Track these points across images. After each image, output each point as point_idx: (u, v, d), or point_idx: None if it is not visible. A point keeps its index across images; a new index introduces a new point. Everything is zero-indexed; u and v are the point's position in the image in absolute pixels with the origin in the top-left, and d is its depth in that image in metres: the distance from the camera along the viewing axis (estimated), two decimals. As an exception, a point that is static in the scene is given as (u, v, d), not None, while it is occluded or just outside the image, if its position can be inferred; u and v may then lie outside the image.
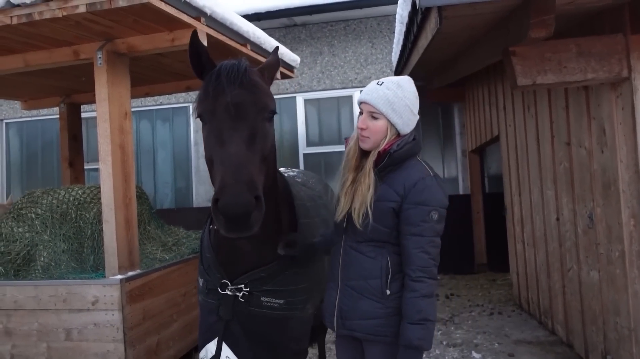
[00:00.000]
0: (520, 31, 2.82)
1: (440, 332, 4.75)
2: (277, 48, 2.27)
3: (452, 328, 4.86)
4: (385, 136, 1.87)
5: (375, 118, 1.87)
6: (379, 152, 1.87)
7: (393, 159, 1.85)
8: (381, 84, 1.89)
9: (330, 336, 4.27)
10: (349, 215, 1.90)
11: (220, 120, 1.73)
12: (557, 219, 4.13)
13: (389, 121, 1.86)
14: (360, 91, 2.17)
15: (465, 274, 7.16)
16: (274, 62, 2.13)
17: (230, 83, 1.75)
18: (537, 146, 4.48)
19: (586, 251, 3.63)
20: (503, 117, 5.49)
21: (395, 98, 1.85)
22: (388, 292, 1.84)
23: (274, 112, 1.88)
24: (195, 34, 1.90)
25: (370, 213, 1.81)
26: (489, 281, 6.76)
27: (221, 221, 1.57)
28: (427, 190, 1.81)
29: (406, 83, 1.91)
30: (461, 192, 7.43)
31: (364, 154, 1.94)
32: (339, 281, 1.95)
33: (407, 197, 1.81)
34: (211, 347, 2.12)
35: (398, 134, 1.89)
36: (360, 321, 1.87)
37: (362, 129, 1.88)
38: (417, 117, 1.93)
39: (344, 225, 1.94)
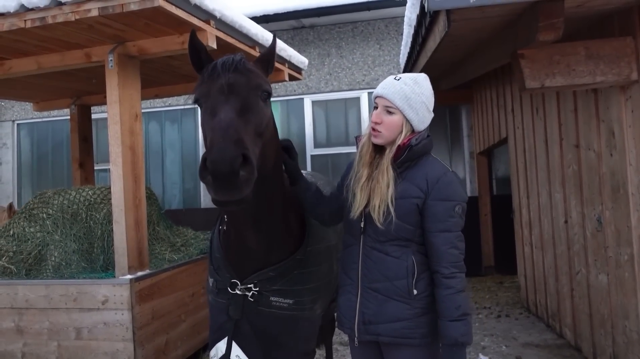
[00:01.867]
0: (528, 34, 2.82)
1: (447, 334, 4.74)
2: (274, 37, 2.23)
3: (459, 331, 4.85)
4: (400, 132, 1.85)
5: (390, 113, 1.85)
6: (398, 145, 1.84)
7: (412, 154, 1.83)
8: (399, 79, 1.87)
9: (337, 337, 4.28)
10: (366, 216, 1.86)
11: (214, 98, 1.75)
12: (566, 222, 4.12)
13: (404, 117, 1.84)
14: (369, 93, 2.16)
15: (472, 276, 7.13)
16: (269, 50, 2.09)
17: (224, 69, 1.79)
18: (546, 148, 4.47)
19: (595, 254, 3.62)
20: (511, 119, 5.47)
21: (413, 94, 1.84)
22: (415, 292, 1.81)
23: (269, 93, 1.87)
24: (194, 33, 1.94)
25: (392, 210, 1.78)
26: (496, 284, 6.73)
27: (209, 182, 1.53)
28: (451, 185, 1.82)
29: (423, 80, 1.90)
30: (469, 194, 7.41)
31: (377, 150, 1.92)
32: (358, 284, 1.89)
33: (431, 193, 1.79)
34: (221, 346, 2.14)
35: (412, 131, 1.86)
36: (388, 324, 1.82)
37: (376, 123, 1.86)
38: (432, 114, 1.91)
39: (362, 226, 1.88)
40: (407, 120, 1.85)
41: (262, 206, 1.98)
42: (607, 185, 3.35)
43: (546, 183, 4.51)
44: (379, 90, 1.89)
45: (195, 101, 1.84)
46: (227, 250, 2.14)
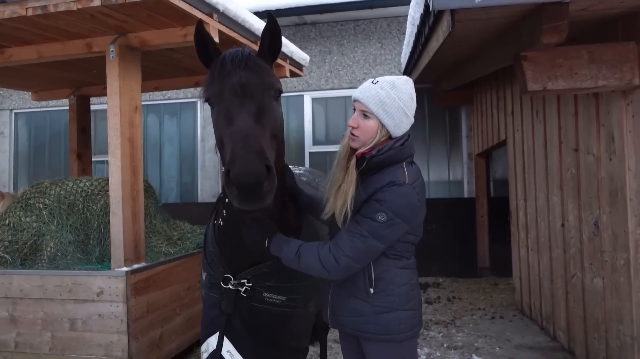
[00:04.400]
0: (532, 36, 2.82)
1: (441, 334, 4.75)
2: (270, 16, 2.13)
3: (454, 331, 4.86)
4: (375, 136, 1.83)
5: (367, 117, 1.84)
6: (356, 155, 1.86)
7: (370, 165, 1.82)
8: (376, 83, 1.85)
9: (331, 334, 4.28)
10: (334, 214, 1.90)
11: (228, 100, 1.73)
12: (563, 225, 4.13)
13: (380, 121, 1.82)
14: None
15: (467, 277, 7.15)
16: (270, 37, 2.00)
17: (235, 67, 1.77)
18: (545, 151, 4.47)
19: (591, 258, 3.63)
20: (511, 122, 5.48)
21: (388, 99, 1.81)
22: (372, 291, 1.86)
23: (280, 91, 1.87)
24: (200, 24, 1.89)
25: (349, 213, 1.80)
26: (491, 286, 6.75)
27: (234, 193, 1.55)
28: (388, 193, 1.76)
29: (402, 84, 1.85)
30: (466, 196, 7.42)
31: (354, 154, 1.92)
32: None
33: (371, 196, 1.80)
34: (212, 341, 2.13)
35: (390, 136, 1.85)
36: (349, 318, 1.91)
37: (352, 127, 1.87)
38: (412, 119, 1.88)
39: (330, 224, 1.97)
40: (383, 125, 1.83)
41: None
42: (605, 190, 3.36)
43: (544, 186, 4.52)
44: (356, 93, 1.88)
45: (206, 100, 1.82)
46: (222, 245, 2.13)
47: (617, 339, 3.27)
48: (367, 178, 1.84)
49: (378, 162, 1.82)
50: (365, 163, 1.82)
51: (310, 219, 2.25)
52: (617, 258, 3.23)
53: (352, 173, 1.82)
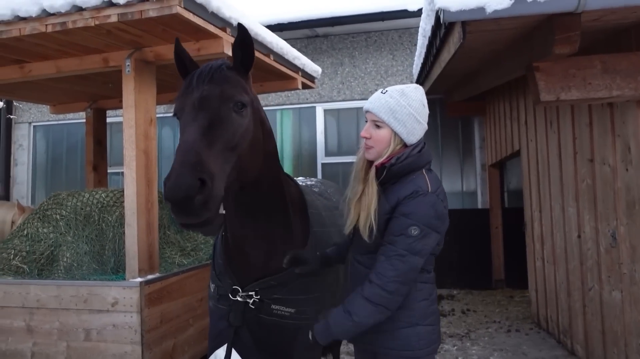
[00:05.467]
0: (544, 47, 2.81)
1: (455, 348, 4.68)
2: (241, 27, 1.95)
3: (468, 344, 4.79)
4: (389, 145, 1.83)
5: (379, 127, 1.85)
6: (376, 165, 1.84)
7: (391, 174, 1.81)
8: (385, 93, 1.86)
9: (344, 347, 4.25)
10: (354, 230, 1.89)
11: (186, 114, 1.74)
12: (579, 237, 4.06)
13: (392, 130, 1.83)
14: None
15: (482, 289, 7.05)
16: (242, 43, 1.95)
17: (200, 81, 1.77)
18: (559, 162, 4.42)
19: (608, 270, 3.56)
20: (524, 132, 5.44)
21: (398, 107, 1.81)
22: None
23: (242, 103, 1.80)
24: (178, 42, 1.94)
25: (374, 224, 1.78)
26: (506, 298, 6.65)
27: (169, 207, 1.55)
28: (415, 204, 1.74)
29: (412, 91, 1.86)
30: (480, 206, 7.35)
31: (371, 165, 1.92)
32: (351, 293, 1.92)
33: (396, 209, 1.78)
34: (220, 353, 2.13)
35: (405, 144, 1.85)
36: (368, 334, 1.84)
37: (366, 138, 1.87)
38: (425, 125, 1.88)
39: (352, 237, 1.96)
40: (396, 134, 1.83)
41: (256, 214, 1.97)
42: (622, 201, 3.31)
43: (559, 197, 4.46)
44: (366, 105, 1.89)
45: (174, 115, 1.84)
46: (228, 256, 2.14)
47: (638, 354, 3.19)
48: (387, 188, 1.83)
49: (398, 170, 1.81)
50: (385, 172, 1.81)
51: (318, 234, 2.23)
52: (635, 270, 3.17)
53: (373, 185, 1.82)
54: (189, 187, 1.49)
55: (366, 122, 1.91)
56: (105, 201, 4.10)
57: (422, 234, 1.73)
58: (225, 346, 2.12)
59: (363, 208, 1.82)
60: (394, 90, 1.86)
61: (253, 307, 2.07)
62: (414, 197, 1.75)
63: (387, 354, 1.85)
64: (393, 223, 1.77)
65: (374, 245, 1.82)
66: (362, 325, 1.76)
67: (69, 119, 8.29)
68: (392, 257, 1.73)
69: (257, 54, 3.91)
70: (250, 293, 2.07)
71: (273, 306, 2.07)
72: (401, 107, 1.82)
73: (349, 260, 1.99)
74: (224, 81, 1.79)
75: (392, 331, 1.83)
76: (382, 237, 1.79)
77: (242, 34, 1.91)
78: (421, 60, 4.88)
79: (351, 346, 4.24)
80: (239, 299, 2.07)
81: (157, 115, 3.74)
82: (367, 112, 1.89)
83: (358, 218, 1.85)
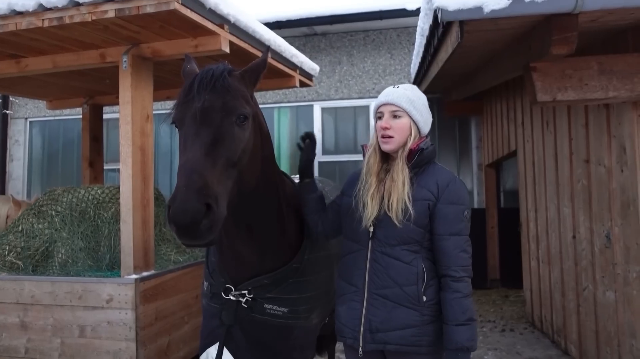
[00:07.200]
0: (541, 47, 2.82)
1: (450, 346, 4.70)
2: (268, 49, 2.16)
3: (463, 343, 4.80)
4: (410, 134, 1.90)
5: (397, 117, 1.90)
6: (410, 149, 1.88)
7: (423, 157, 1.88)
8: (397, 87, 1.97)
9: (340, 345, 4.25)
10: (377, 221, 1.85)
11: (187, 127, 1.70)
12: (574, 237, 4.08)
13: (411, 119, 1.90)
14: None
15: (477, 289, 7.06)
16: (260, 63, 1.97)
17: (201, 89, 1.72)
18: (555, 163, 4.44)
19: (602, 270, 3.58)
20: (521, 132, 5.45)
21: (415, 97, 1.93)
22: (424, 299, 1.81)
23: (245, 116, 1.76)
24: (188, 58, 1.98)
25: (410, 206, 1.78)
26: (501, 297, 6.67)
27: (174, 229, 1.52)
28: (460, 190, 1.87)
29: (417, 88, 2.02)
30: (476, 206, 7.37)
31: (384, 160, 1.94)
32: (364, 291, 1.86)
33: (441, 197, 1.83)
34: (212, 352, 2.11)
35: (419, 135, 1.94)
36: (396, 331, 1.80)
37: (386, 129, 1.89)
38: (432, 118, 2.02)
39: (370, 231, 1.87)
40: (414, 122, 1.91)
41: (252, 217, 1.96)
42: (616, 201, 3.32)
43: (555, 198, 4.48)
44: (382, 98, 1.94)
45: (172, 123, 1.80)
46: (221, 255, 2.12)
47: (630, 354, 3.21)
48: (413, 176, 1.88)
49: (428, 155, 1.90)
50: (418, 155, 1.87)
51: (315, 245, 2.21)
52: (629, 270, 3.19)
53: (404, 170, 1.85)
54: (196, 213, 1.47)
55: (378, 117, 1.94)
56: (101, 198, 4.09)
57: (469, 215, 1.88)
58: (217, 344, 2.10)
59: (393, 190, 1.82)
60: (405, 85, 1.98)
61: (246, 306, 2.06)
62: (455, 183, 1.87)
63: (418, 353, 1.82)
64: (447, 212, 1.82)
65: (407, 235, 1.81)
66: (474, 313, 1.84)
67: (65, 115, 8.25)
68: (464, 245, 1.84)
69: (254, 51, 3.91)
70: (243, 291, 2.05)
71: (266, 306, 2.06)
72: (418, 98, 1.94)
73: (366, 256, 1.88)
74: (226, 91, 1.74)
75: (424, 325, 1.82)
76: (415, 223, 1.80)
77: (264, 61, 1.97)
78: (419, 59, 4.88)
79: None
80: (231, 298, 2.06)
81: (154, 112, 3.72)
82: (384, 104, 1.93)
83: (385, 206, 1.82)
